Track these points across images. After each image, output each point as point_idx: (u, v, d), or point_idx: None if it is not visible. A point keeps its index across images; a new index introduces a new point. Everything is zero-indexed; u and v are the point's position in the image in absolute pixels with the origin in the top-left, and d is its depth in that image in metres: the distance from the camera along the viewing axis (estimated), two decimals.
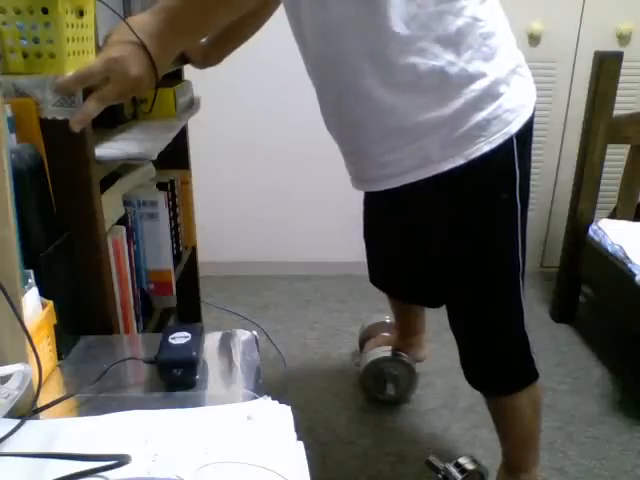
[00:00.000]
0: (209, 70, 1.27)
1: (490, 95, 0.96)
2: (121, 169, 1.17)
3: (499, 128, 0.98)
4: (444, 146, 0.97)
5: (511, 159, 1.01)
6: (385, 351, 1.71)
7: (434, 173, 0.99)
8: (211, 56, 1.24)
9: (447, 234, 1.09)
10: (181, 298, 1.42)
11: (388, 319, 1.89)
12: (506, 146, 0.99)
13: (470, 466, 1.34)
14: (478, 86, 0.94)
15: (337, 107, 1.03)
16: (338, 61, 0.95)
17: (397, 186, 1.03)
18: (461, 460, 1.35)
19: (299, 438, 0.66)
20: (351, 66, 0.94)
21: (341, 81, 0.98)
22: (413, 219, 1.18)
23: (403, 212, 1.19)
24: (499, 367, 1.20)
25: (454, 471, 1.33)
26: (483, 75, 0.94)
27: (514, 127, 0.99)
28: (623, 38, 2.26)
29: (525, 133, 1.02)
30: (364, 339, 1.89)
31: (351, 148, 1.09)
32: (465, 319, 1.18)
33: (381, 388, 1.72)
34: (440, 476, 1.35)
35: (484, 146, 0.97)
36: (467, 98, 0.94)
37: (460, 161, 0.98)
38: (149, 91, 0.89)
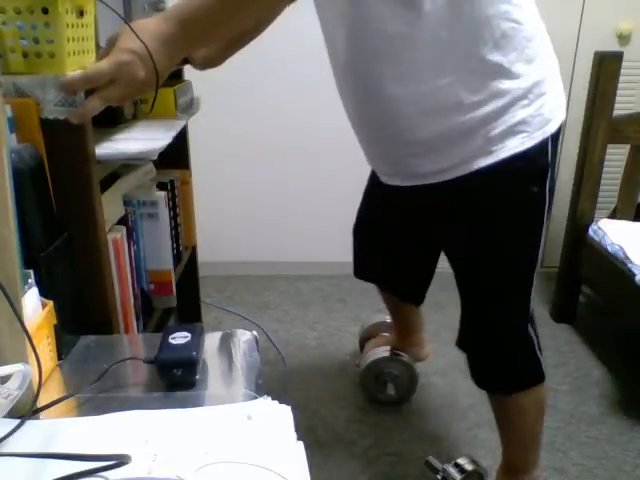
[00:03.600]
0: (209, 70, 1.26)
1: (534, 94, 1.00)
2: (121, 169, 1.18)
3: (541, 125, 1.02)
4: (489, 141, 1.00)
5: (545, 155, 1.04)
6: (385, 351, 1.71)
7: (480, 166, 1.02)
8: (212, 58, 1.24)
9: (479, 227, 1.10)
10: (181, 298, 1.42)
11: (388, 319, 1.89)
12: (543, 142, 1.03)
13: (469, 466, 1.34)
14: (523, 84, 0.98)
15: (379, 109, 1.04)
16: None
17: (448, 179, 1.05)
18: (460, 460, 1.35)
19: (299, 438, 0.65)
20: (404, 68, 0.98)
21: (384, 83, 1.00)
22: (442, 213, 1.15)
23: (431, 206, 1.17)
24: (505, 366, 1.21)
25: (453, 471, 1.33)
26: (527, 75, 0.98)
27: (553, 125, 1.04)
28: (623, 38, 2.26)
29: (559, 131, 1.06)
30: (364, 339, 1.89)
31: (388, 146, 1.10)
32: (479, 314, 1.19)
33: (381, 388, 1.72)
34: (439, 476, 1.35)
35: (526, 141, 1.01)
36: (513, 95, 0.98)
37: (502, 155, 1.01)
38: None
